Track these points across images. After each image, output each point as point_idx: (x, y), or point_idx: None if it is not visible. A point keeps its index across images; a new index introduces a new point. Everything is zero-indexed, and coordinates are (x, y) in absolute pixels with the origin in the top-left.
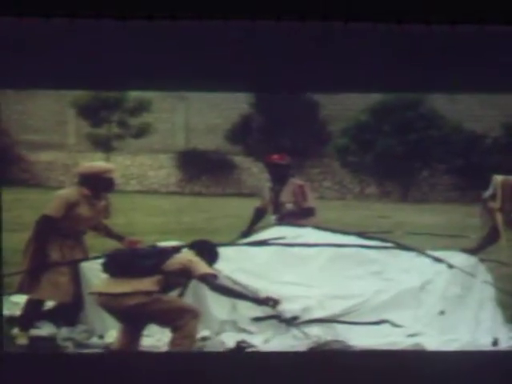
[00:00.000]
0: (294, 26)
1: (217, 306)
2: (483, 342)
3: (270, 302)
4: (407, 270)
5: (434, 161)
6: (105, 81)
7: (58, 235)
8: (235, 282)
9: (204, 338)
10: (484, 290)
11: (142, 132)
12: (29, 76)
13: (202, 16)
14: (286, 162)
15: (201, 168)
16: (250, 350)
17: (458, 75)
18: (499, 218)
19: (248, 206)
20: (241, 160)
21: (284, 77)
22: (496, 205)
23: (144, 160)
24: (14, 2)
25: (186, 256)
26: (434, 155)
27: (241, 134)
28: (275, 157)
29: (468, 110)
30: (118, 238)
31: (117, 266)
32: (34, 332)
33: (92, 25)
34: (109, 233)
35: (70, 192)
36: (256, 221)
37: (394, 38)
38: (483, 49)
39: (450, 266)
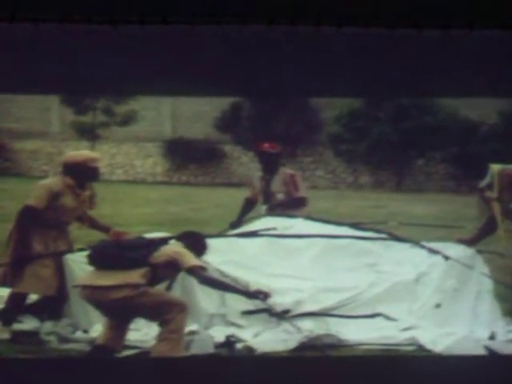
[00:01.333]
0: (284, 29)
1: (205, 299)
2: (480, 336)
3: (261, 294)
4: (402, 261)
5: (430, 149)
6: (88, 87)
7: (41, 226)
8: (224, 275)
9: (192, 332)
10: (481, 283)
11: (127, 120)
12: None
13: (191, 21)
14: (276, 151)
15: (189, 157)
16: (239, 344)
17: (447, 79)
18: (496, 208)
19: (238, 196)
20: (230, 149)
21: (273, 82)
22: (493, 194)
23: (130, 149)
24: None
25: (174, 248)
26: (430, 143)
27: (230, 122)
28: (266, 145)
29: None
30: (104, 229)
31: (102, 258)
32: (17, 326)
33: (77, 28)
34: (94, 224)
35: (53, 182)
36: (246, 211)
37: (385, 42)
38: (472, 53)
39: (446, 258)
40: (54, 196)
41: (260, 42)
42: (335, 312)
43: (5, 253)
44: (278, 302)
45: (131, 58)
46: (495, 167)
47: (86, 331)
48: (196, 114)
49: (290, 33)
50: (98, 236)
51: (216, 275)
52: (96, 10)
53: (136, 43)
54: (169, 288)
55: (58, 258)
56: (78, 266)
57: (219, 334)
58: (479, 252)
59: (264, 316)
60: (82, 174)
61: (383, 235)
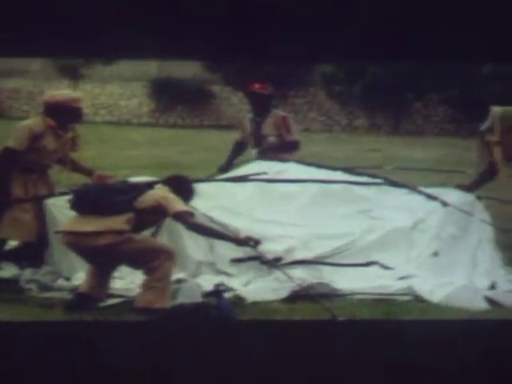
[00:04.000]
0: None
1: (193, 247)
2: (480, 286)
3: (251, 242)
4: (398, 208)
5: (428, 90)
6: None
7: (21, 169)
8: (213, 221)
9: (179, 281)
10: (481, 230)
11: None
12: None
13: None
14: (268, 92)
15: (176, 97)
16: (228, 293)
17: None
18: (497, 152)
19: (227, 139)
20: (219, 89)
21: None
22: (494, 138)
23: (114, 88)
24: None
25: (160, 192)
26: (428, 84)
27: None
28: (257, 86)
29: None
30: (87, 172)
31: (85, 202)
32: None
33: None
34: (76, 167)
35: (34, 122)
36: (235, 155)
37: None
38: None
39: (445, 204)
40: (35, 137)
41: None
42: (328, 260)
43: None
44: (269, 249)
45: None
46: (496, 109)
47: (68, 279)
48: None
49: None
50: (80, 180)
51: (204, 221)
52: None
53: None
54: (155, 234)
55: (38, 202)
56: (60, 210)
57: (207, 282)
58: (479, 198)
59: (254, 264)
60: (64, 115)
61: (379, 180)
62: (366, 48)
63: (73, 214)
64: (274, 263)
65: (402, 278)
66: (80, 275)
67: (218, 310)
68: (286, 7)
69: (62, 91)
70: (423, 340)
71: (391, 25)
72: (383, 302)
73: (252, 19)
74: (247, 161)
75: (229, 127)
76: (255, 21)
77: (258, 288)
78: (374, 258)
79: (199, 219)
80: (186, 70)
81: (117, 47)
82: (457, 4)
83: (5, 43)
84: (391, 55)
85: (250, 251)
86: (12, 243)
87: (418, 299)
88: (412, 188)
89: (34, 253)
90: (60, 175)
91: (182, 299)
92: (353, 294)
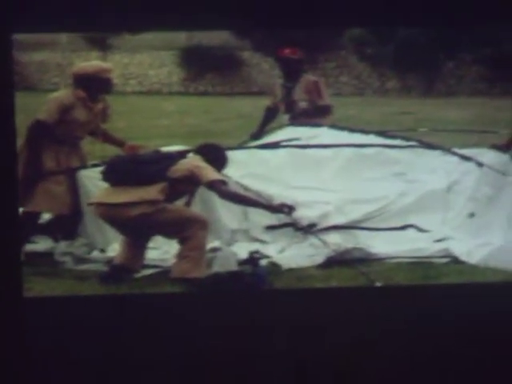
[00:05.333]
0: None
1: (227, 215)
2: None
3: (285, 208)
4: (433, 170)
5: (460, 50)
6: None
7: (52, 142)
8: (246, 189)
9: (214, 249)
10: None
11: None
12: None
13: None
14: (298, 56)
15: (206, 65)
16: (263, 260)
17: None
18: None
19: (258, 106)
20: (249, 55)
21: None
22: None
23: (143, 58)
24: None
25: (193, 161)
26: (460, 44)
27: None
28: (287, 51)
29: None
30: (118, 143)
31: (117, 173)
32: (30, 247)
33: None
34: (108, 138)
35: (64, 94)
36: (267, 121)
37: None
38: None
39: (480, 165)
40: (66, 109)
41: None
42: (363, 224)
43: None
44: (304, 215)
45: None
46: None
47: (102, 251)
48: None
49: None
50: (112, 151)
51: (237, 189)
52: None
53: None
54: (188, 204)
55: (71, 174)
56: (92, 182)
57: (242, 250)
58: None
59: (289, 231)
60: (94, 86)
61: (412, 143)
62: (394, 11)
63: (105, 185)
64: (309, 229)
65: (438, 241)
66: (114, 246)
67: (254, 277)
68: None
69: (91, 62)
70: (462, 303)
71: None
72: (420, 265)
73: None
74: (279, 127)
75: (260, 94)
76: None
77: (293, 255)
78: (409, 221)
79: (232, 187)
80: (215, 37)
81: (144, 20)
82: None
83: (33, 19)
84: (421, 19)
85: (284, 218)
86: (46, 216)
87: (455, 261)
88: (446, 149)
89: (67, 225)
90: (92, 147)
91: (217, 268)
92: (389, 257)
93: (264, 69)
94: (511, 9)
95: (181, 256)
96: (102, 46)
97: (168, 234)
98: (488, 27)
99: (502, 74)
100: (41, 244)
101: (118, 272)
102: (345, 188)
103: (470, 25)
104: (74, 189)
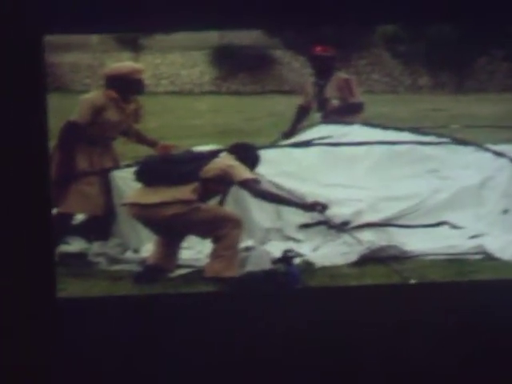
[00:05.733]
0: None
1: (260, 214)
2: None
3: (318, 206)
4: (466, 166)
5: (492, 46)
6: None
7: (85, 143)
8: (279, 187)
9: (248, 248)
10: None
11: None
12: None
13: None
14: (330, 54)
15: (237, 64)
16: (297, 259)
17: None
18: None
19: (290, 104)
20: (280, 54)
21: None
22: None
23: (175, 58)
24: None
25: (225, 161)
26: (491, 40)
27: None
28: (318, 48)
29: None
30: (151, 143)
31: (150, 173)
32: (64, 248)
33: None
34: (140, 138)
35: (96, 95)
36: (299, 119)
37: None
38: None
39: None
40: (98, 110)
41: None
42: (397, 222)
43: None
44: (337, 213)
45: None
46: None
47: (136, 251)
48: None
49: None
50: (145, 151)
51: (270, 188)
52: None
53: None
54: (221, 203)
55: (103, 175)
56: (126, 182)
57: (276, 249)
58: None
59: (322, 229)
60: (126, 87)
61: (445, 139)
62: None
63: (139, 185)
64: (342, 227)
65: (472, 237)
66: (148, 247)
67: (288, 276)
68: None
69: (122, 63)
70: (497, 300)
71: None
72: (455, 261)
73: None
74: (311, 125)
75: (291, 92)
76: None
77: (326, 253)
78: (443, 218)
79: (265, 186)
80: (247, 36)
81: (175, 19)
82: None
83: (65, 21)
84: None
85: (318, 216)
86: (79, 217)
87: (490, 257)
88: (479, 146)
89: (101, 226)
90: (125, 147)
91: (250, 267)
92: (423, 255)
93: (295, 67)
94: None
95: (214, 255)
96: (134, 47)
97: (202, 233)
98: None
99: None
100: (74, 245)
101: (151, 272)
102: (378, 185)
103: (501, 23)
104: (106, 189)
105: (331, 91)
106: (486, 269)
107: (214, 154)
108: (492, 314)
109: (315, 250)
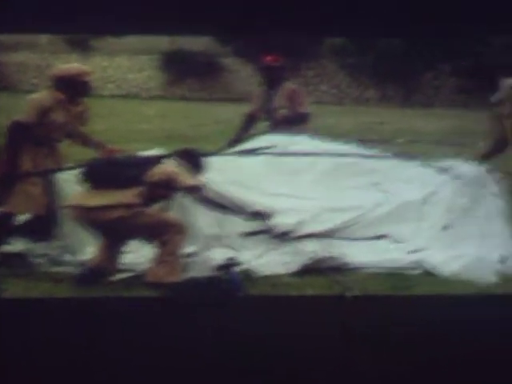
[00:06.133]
0: None
1: (203, 220)
2: (490, 259)
3: (261, 215)
4: (409, 180)
5: (439, 61)
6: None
7: (30, 143)
8: (223, 195)
9: (190, 255)
10: (492, 203)
11: None
12: None
13: None
14: (279, 64)
15: (186, 70)
16: (239, 266)
17: None
18: (508, 125)
19: (237, 112)
20: (230, 62)
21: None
22: (504, 110)
23: (122, 61)
24: None
25: (170, 166)
26: (439, 55)
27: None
28: (268, 58)
29: None
30: (96, 146)
31: (95, 176)
32: (6, 248)
33: None
34: (86, 141)
35: (43, 96)
36: (246, 128)
37: None
38: None
39: (456, 177)
40: (45, 111)
41: None
42: (340, 233)
43: None
44: (280, 222)
45: None
46: (508, 81)
47: (77, 253)
48: None
49: None
50: (90, 153)
51: (214, 195)
52: None
53: None
54: (165, 208)
55: (47, 176)
56: (69, 185)
57: (218, 256)
58: (490, 171)
59: (265, 237)
60: (74, 89)
61: (390, 153)
62: (376, 24)
63: (82, 188)
64: (285, 237)
65: (412, 252)
66: (90, 249)
67: (229, 283)
68: None
69: (70, 65)
70: (434, 315)
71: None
72: (394, 275)
73: None
74: (258, 134)
75: (239, 100)
76: None
77: (268, 261)
78: (384, 231)
79: (209, 193)
80: (196, 42)
81: (127, 23)
82: None
83: (13, 19)
84: (401, 31)
85: (261, 225)
86: (22, 217)
87: (427, 273)
88: (423, 161)
89: (43, 227)
90: (70, 149)
91: (192, 273)
92: (364, 267)
93: (244, 75)
94: (491, 22)
95: (157, 260)
96: (82, 48)
97: (144, 237)
98: (465, 38)
99: (479, 85)
100: (16, 245)
101: (94, 274)
102: (321, 196)
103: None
104: (50, 190)
105: (279, 101)
106: (424, 283)
107: (159, 159)
108: (429, 327)
109: (257, 258)
